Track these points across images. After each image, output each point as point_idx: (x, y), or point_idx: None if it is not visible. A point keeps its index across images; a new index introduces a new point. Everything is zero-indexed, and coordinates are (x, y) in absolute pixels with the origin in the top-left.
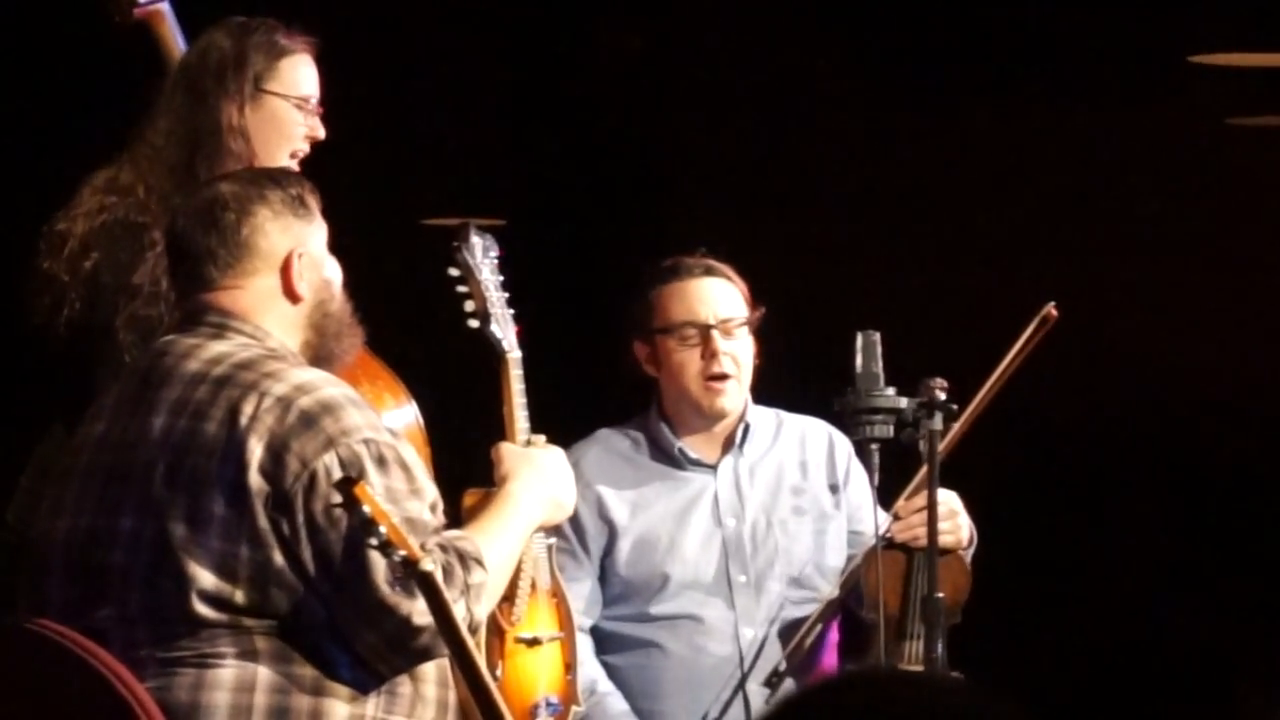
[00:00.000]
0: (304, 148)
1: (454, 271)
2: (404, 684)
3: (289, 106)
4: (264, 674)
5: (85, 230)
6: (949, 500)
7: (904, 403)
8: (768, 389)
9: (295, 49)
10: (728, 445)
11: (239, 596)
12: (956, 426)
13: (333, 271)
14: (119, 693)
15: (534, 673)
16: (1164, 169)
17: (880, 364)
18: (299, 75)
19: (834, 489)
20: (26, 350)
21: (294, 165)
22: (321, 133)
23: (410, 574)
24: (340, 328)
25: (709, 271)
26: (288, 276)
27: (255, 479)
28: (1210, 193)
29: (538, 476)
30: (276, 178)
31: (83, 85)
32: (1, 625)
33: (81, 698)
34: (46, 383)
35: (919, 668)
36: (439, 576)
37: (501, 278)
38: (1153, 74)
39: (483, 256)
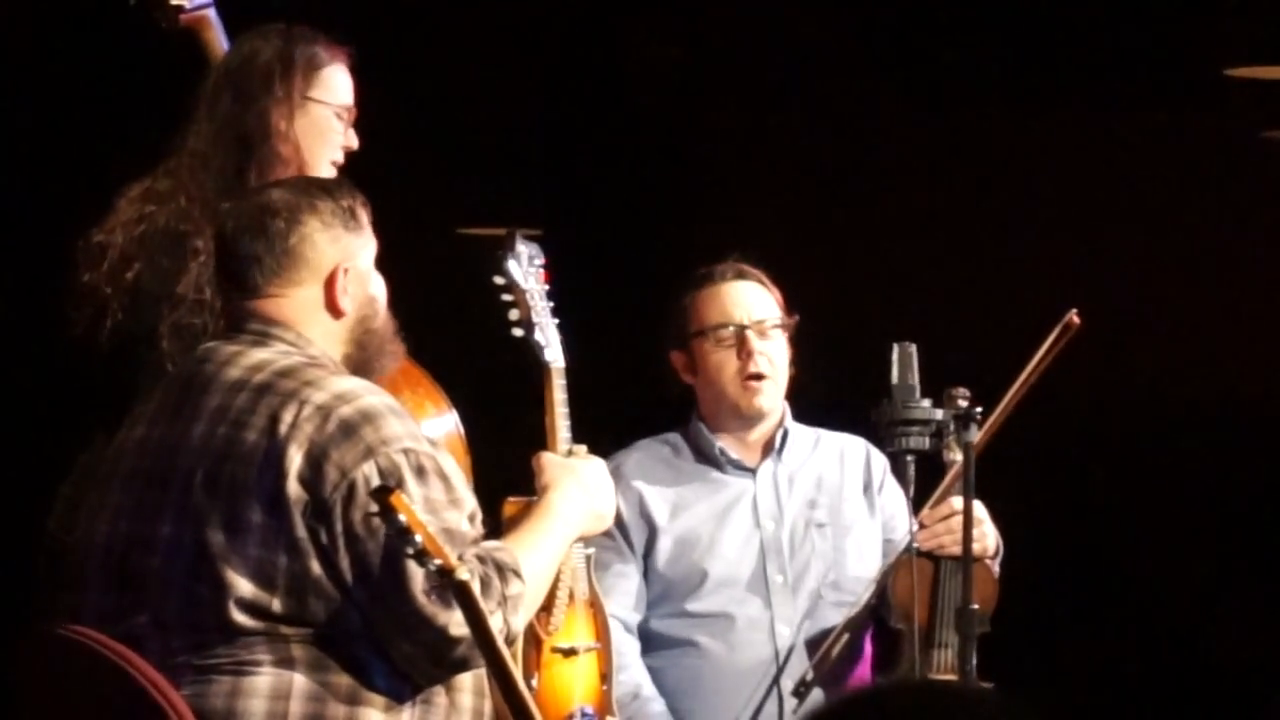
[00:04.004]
0: (340, 157)
1: (499, 280)
2: (439, 693)
3: (331, 115)
4: (299, 682)
5: (125, 241)
6: (974, 509)
7: (940, 414)
8: (795, 398)
9: (334, 58)
10: (766, 450)
11: (276, 605)
12: (979, 435)
13: (378, 288)
14: (155, 700)
15: (570, 683)
16: (1198, 182)
17: (916, 375)
18: (339, 84)
19: (870, 500)
20: (68, 359)
21: (334, 174)
22: (355, 143)
23: (446, 583)
24: (382, 344)
25: (741, 275)
26: (331, 291)
27: (294, 487)
28: (1244, 206)
29: (578, 487)
30: (329, 188)
31: (129, 94)
32: (40, 632)
33: (118, 704)
34: (89, 392)
35: (949, 677)
36: (475, 586)
37: (547, 287)
38: (1188, 87)
39: (528, 265)
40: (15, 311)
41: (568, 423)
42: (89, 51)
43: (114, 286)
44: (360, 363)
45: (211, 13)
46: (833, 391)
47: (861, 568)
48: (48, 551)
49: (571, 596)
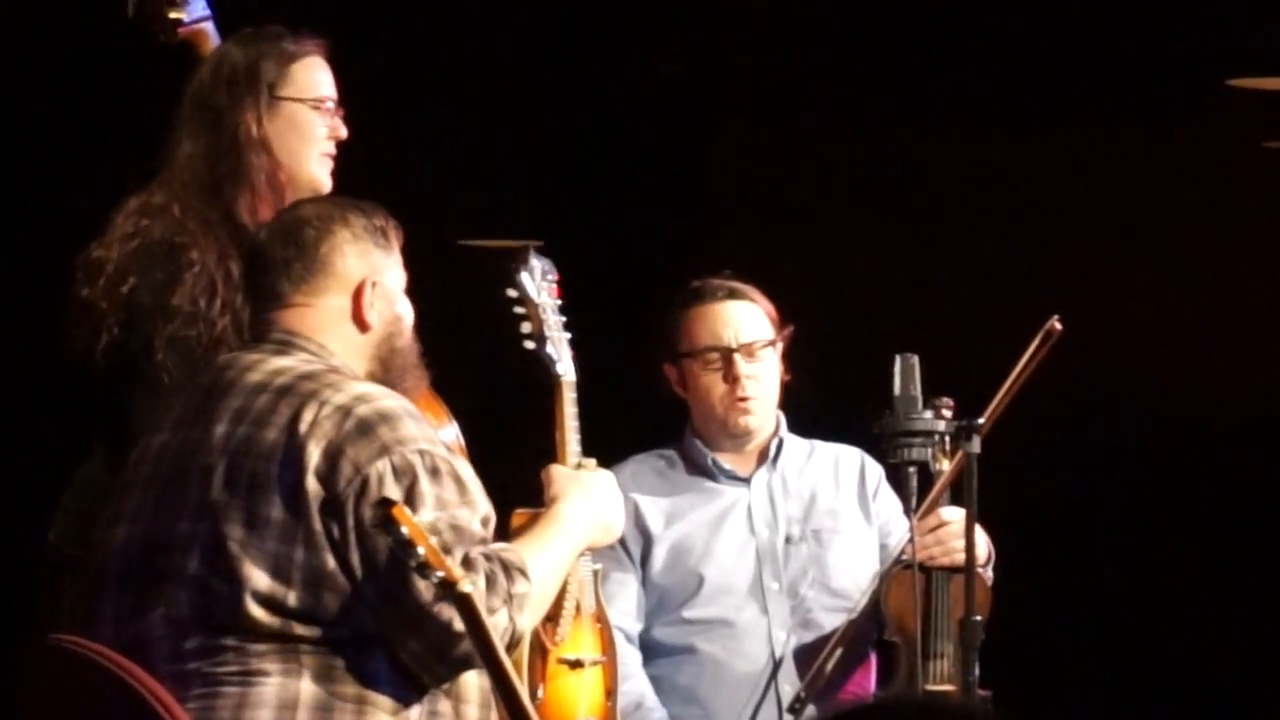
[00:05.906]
0: (330, 148)
1: (512, 292)
2: (444, 703)
3: (306, 110)
4: (307, 692)
5: (120, 255)
6: (962, 518)
7: (942, 425)
8: (789, 408)
9: (305, 52)
10: (760, 460)
11: (292, 599)
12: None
13: (405, 309)
14: (156, 712)
15: (575, 695)
16: (1200, 191)
17: (919, 387)
18: (313, 78)
19: (865, 508)
20: (68, 374)
21: (326, 169)
22: (343, 132)
23: (448, 595)
24: (405, 366)
25: (731, 294)
26: (358, 303)
27: (312, 483)
28: (1245, 216)
29: (587, 498)
30: (363, 207)
31: (129, 108)
32: (42, 643)
33: (119, 717)
34: (88, 405)
35: (947, 687)
36: (477, 598)
37: (559, 301)
38: (1190, 96)
39: (541, 279)
40: (15, 326)
41: (578, 436)
42: (88, 65)
43: (110, 301)
44: (383, 382)
45: (209, 26)
46: (820, 397)
47: (857, 574)
48: (48, 563)
49: (578, 609)
